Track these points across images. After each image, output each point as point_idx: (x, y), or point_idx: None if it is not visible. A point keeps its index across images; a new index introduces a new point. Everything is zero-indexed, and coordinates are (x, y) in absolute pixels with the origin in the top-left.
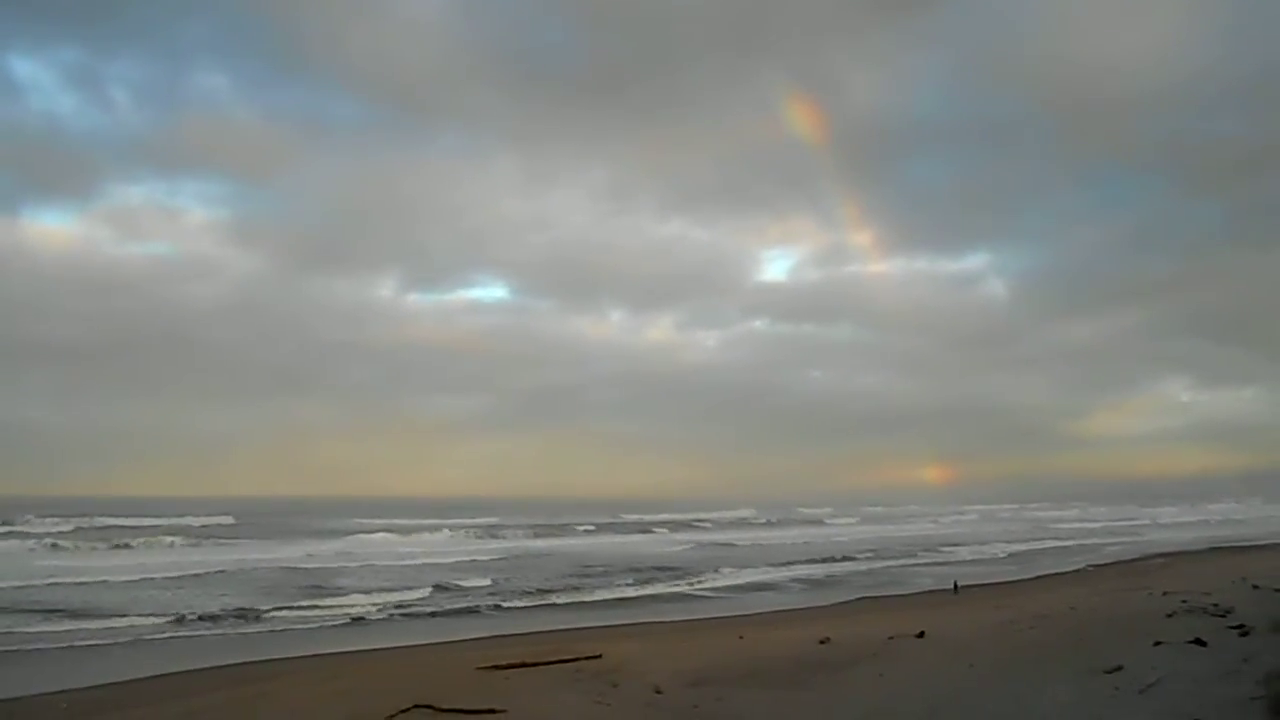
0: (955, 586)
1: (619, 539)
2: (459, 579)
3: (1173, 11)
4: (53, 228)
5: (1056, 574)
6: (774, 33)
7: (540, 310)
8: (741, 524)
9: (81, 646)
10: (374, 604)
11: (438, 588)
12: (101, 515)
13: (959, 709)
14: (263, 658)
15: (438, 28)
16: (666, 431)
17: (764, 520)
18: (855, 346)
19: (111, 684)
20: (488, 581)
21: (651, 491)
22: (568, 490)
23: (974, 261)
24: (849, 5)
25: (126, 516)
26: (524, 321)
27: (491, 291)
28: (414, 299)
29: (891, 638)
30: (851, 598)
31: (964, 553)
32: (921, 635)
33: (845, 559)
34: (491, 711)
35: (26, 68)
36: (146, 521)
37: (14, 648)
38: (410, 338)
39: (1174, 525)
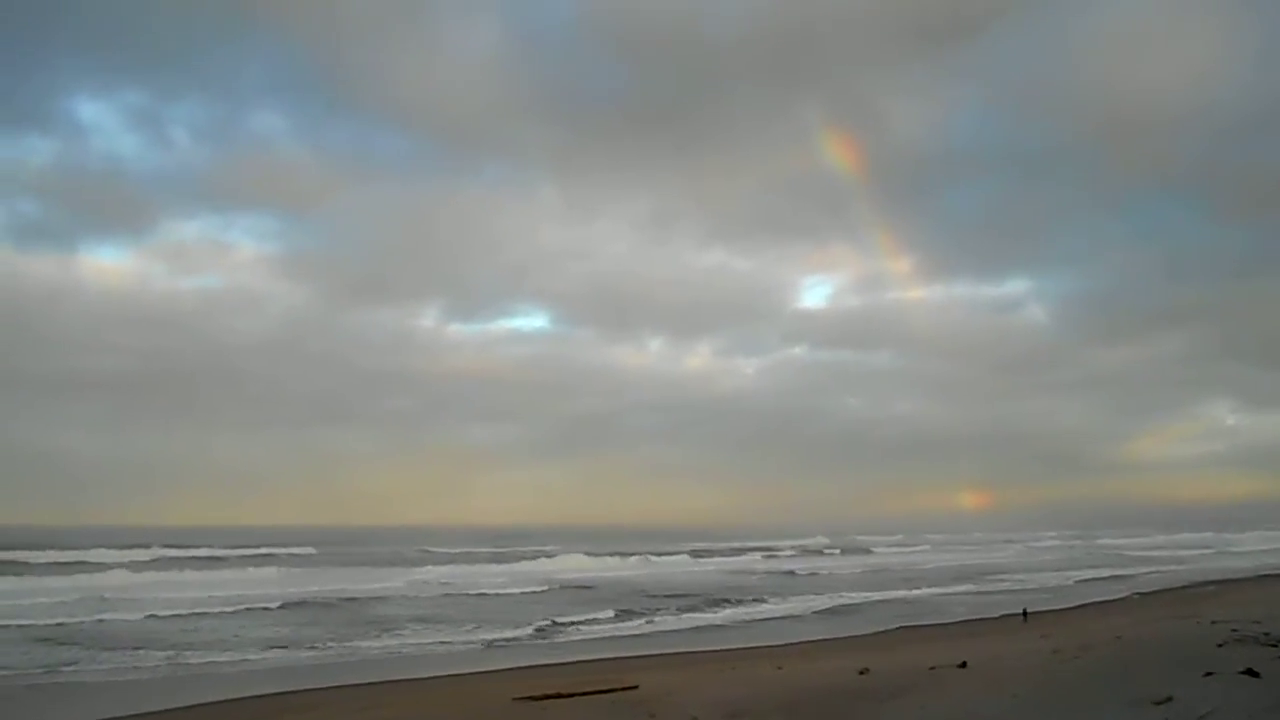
0: (1024, 614)
1: (714, 563)
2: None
3: (1207, 38)
4: (108, 263)
5: (1102, 602)
6: (814, 67)
7: (580, 339)
8: (817, 552)
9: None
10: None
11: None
12: (161, 545)
13: None
14: (304, 687)
15: (486, 66)
16: (705, 458)
17: (837, 548)
18: (894, 373)
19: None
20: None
21: (692, 518)
22: (609, 517)
23: (1014, 287)
24: (887, 40)
25: (191, 546)
26: (564, 350)
27: (532, 321)
28: (455, 329)
29: (933, 668)
30: (889, 627)
31: (1013, 581)
32: (964, 665)
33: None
34: None
35: (92, 110)
36: (225, 551)
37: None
38: (451, 367)
39: (1222, 552)
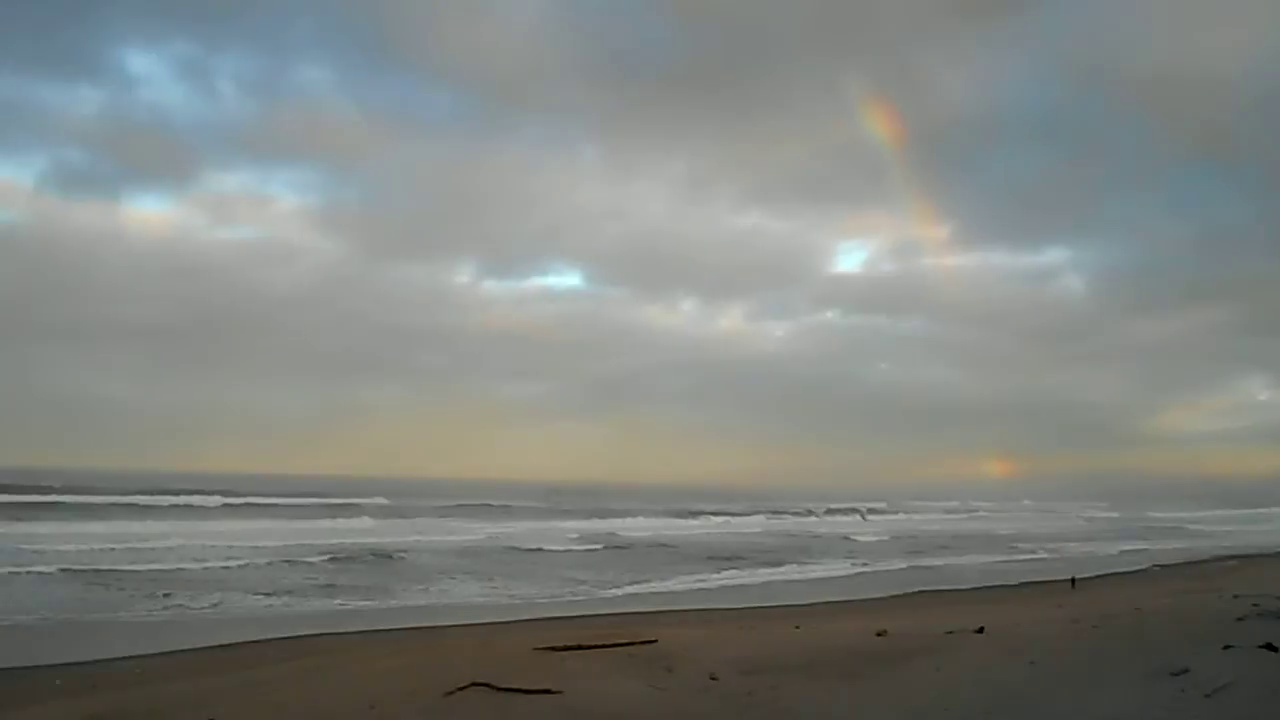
0: (1073, 581)
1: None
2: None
3: (1262, 7)
4: (150, 212)
5: (1121, 573)
6: (861, 35)
7: (613, 299)
8: (844, 513)
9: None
10: None
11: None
12: (213, 492)
13: (1018, 706)
14: (331, 631)
15: (535, 24)
16: (734, 420)
17: (865, 512)
18: (926, 339)
19: (172, 652)
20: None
21: (721, 480)
22: (638, 476)
23: (1051, 257)
24: (936, 10)
25: (232, 494)
26: (596, 309)
27: (565, 280)
28: (489, 286)
29: (950, 632)
30: (909, 590)
31: (1038, 549)
32: (981, 631)
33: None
34: (547, 692)
35: (141, 61)
36: (275, 500)
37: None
38: (485, 324)
39: (1246, 527)
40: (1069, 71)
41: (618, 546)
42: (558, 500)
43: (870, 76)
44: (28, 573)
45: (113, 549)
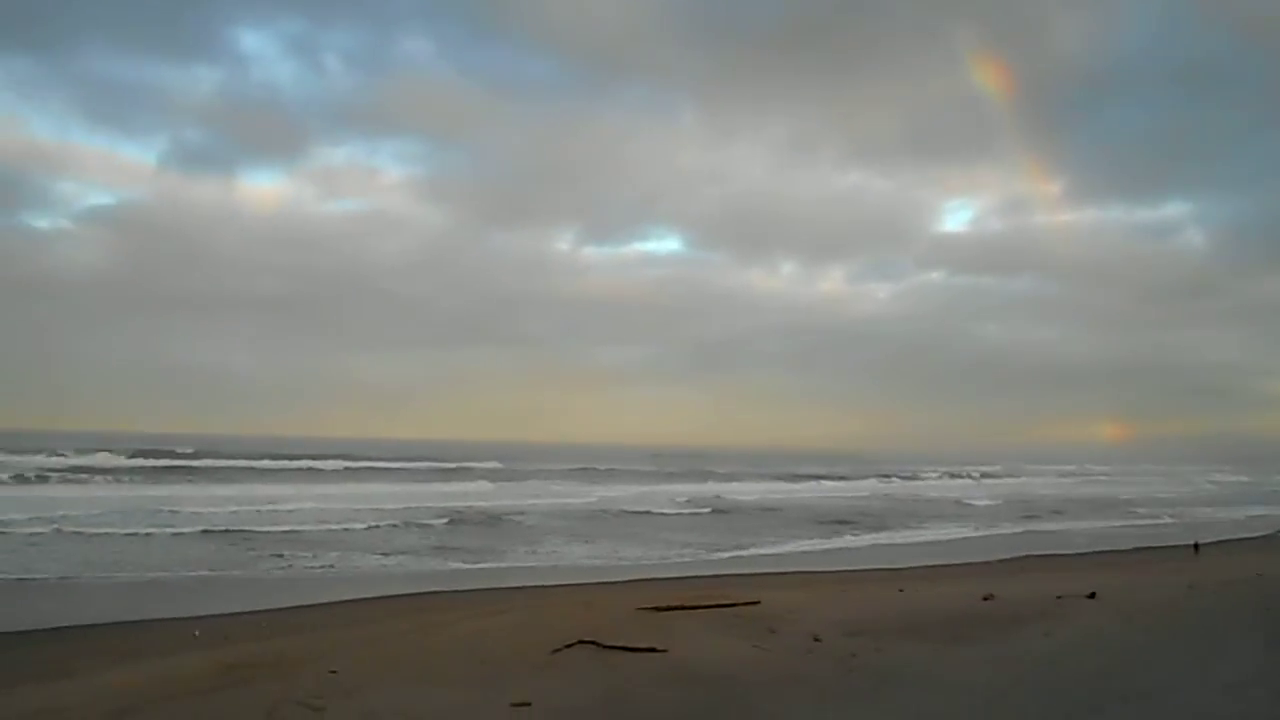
0: (1196, 547)
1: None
2: None
3: None
4: (263, 187)
5: (1246, 539)
6: None
7: (713, 262)
8: (957, 477)
9: None
10: None
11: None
12: (333, 456)
13: (1131, 672)
14: (445, 589)
15: None
16: (837, 384)
17: (977, 475)
18: (1037, 299)
19: (297, 607)
20: None
21: (825, 444)
22: (741, 440)
23: (1173, 210)
24: None
25: (363, 460)
26: (696, 273)
27: (666, 244)
28: (590, 251)
29: (1060, 597)
30: (1020, 554)
31: (1156, 513)
32: (1093, 596)
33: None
34: (653, 650)
35: (253, 40)
36: (410, 464)
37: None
38: (586, 290)
39: None
40: (1194, 13)
41: (723, 510)
42: (662, 464)
43: (978, 28)
44: (167, 533)
45: (241, 510)
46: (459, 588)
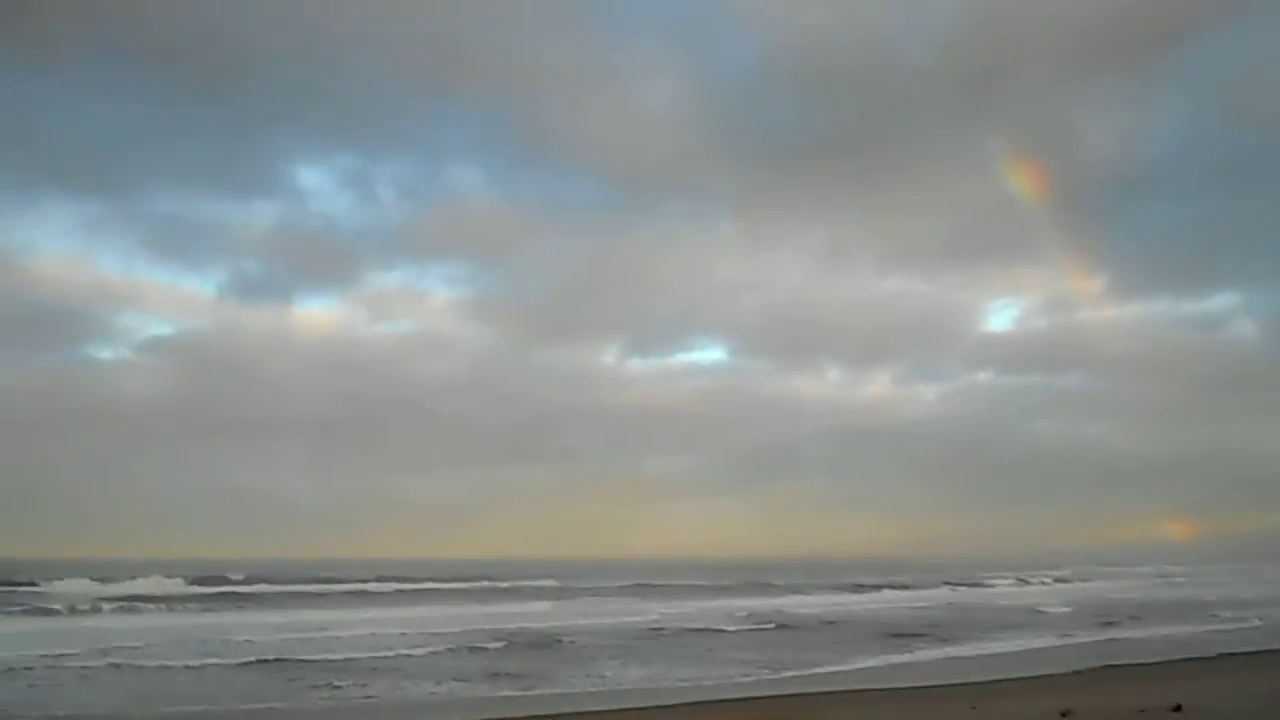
0: None
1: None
2: None
3: None
4: (317, 313)
5: None
6: (1001, 94)
7: (757, 370)
8: (1023, 583)
9: None
10: None
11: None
12: (387, 579)
13: None
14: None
15: (671, 114)
16: (888, 488)
17: (1045, 580)
18: (1087, 396)
19: None
20: None
21: (878, 550)
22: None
23: (1220, 302)
24: (1077, 55)
25: (416, 581)
26: (741, 382)
27: (709, 354)
28: (635, 363)
29: (1143, 711)
30: (1097, 664)
31: (1236, 615)
32: (1178, 709)
33: None
34: None
35: (309, 175)
36: (463, 585)
37: None
38: (632, 401)
39: None
40: (1222, 111)
41: (786, 625)
42: (717, 577)
43: (1009, 134)
44: (217, 663)
45: (289, 638)
46: (510, 715)
